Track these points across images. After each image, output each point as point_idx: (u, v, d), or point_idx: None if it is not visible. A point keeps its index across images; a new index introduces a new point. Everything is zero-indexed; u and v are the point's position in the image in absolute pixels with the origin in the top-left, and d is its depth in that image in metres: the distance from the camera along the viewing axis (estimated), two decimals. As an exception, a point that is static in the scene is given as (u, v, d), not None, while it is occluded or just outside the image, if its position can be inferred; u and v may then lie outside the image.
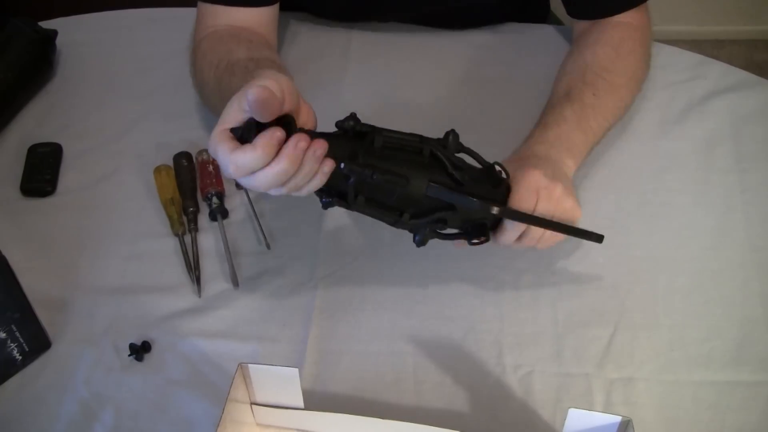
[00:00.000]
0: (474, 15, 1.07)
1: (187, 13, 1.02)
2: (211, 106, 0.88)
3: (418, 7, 1.06)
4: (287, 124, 0.61)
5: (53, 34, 1.03)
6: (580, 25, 0.98)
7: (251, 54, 0.83)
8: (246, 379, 0.67)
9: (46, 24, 1.05)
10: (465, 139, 0.70)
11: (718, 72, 1.02)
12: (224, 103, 0.67)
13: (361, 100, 0.99)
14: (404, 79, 1.02)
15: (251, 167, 0.60)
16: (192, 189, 0.89)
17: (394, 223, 0.68)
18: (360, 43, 1.07)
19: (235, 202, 0.89)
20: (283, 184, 0.62)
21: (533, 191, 0.72)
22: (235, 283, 0.82)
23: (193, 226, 0.86)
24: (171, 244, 0.85)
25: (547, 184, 0.73)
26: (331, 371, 0.76)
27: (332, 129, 0.66)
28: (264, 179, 0.61)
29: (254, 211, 0.87)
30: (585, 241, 0.84)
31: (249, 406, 0.69)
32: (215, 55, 0.86)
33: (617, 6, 0.93)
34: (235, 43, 0.86)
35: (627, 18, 0.93)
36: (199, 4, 0.93)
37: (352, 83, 1.01)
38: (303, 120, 0.65)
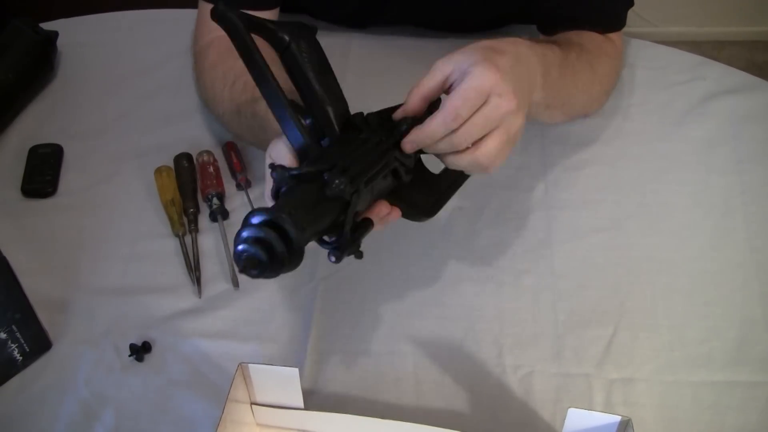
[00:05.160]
0: (475, 21, 1.07)
1: (187, 15, 1.02)
2: (225, 121, 0.90)
3: (423, 16, 1.06)
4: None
5: (54, 35, 1.03)
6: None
7: None
8: (246, 379, 0.67)
9: (46, 25, 1.05)
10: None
11: (718, 73, 1.02)
12: (247, 127, 0.81)
13: (360, 104, 0.99)
14: (404, 83, 1.02)
15: None
16: (192, 190, 0.89)
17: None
18: (360, 46, 1.07)
19: (235, 203, 0.89)
20: None
21: (483, 94, 0.60)
22: (236, 283, 0.82)
23: (194, 227, 0.86)
24: (171, 244, 0.85)
25: (503, 90, 0.59)
26: (331, 371, 0.76)
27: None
28: None
29: (254, 211, 0.87)
30: (585, 242, 0.84)
31: (249, 406, 0.70)
32: (228, 70, 0.86)
33: (592, 22, 0.90)
34: None
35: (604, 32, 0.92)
36: (201, 3, 0.93)
37: (352, 87, 1.00)
38: None
